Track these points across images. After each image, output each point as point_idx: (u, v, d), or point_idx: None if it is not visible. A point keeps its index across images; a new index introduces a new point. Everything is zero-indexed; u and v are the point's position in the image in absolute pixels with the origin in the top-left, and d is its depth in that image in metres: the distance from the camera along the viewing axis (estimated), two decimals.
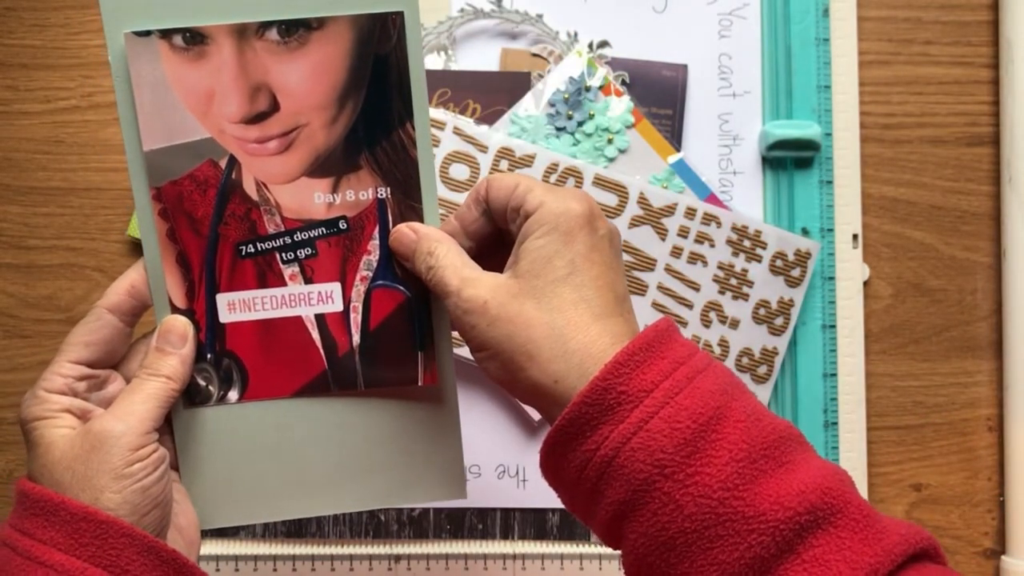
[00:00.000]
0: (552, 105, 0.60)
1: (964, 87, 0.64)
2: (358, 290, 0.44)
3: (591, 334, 0.38)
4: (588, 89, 0.60)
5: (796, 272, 0.61)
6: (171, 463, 0.43)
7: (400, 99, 0.42)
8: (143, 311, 0.43)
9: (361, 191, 0.43)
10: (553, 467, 0.39)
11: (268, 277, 0.43)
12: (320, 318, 0.44)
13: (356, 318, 0.44)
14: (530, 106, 0.60)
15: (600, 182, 0.60)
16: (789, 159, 0.62)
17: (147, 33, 0.41)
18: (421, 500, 0.46)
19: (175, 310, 0.43)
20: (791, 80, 0.62)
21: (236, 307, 0.44)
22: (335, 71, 0.42)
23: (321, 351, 0.44)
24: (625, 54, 0.62)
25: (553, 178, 0.59)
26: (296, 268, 0.43)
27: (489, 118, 0.60)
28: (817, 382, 0.62)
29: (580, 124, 0.60)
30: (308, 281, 0.44)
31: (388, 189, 0.43)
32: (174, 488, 0.43)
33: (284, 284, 0.43)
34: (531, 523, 0.61)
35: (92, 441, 0.39)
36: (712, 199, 0.61)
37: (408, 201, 0.43)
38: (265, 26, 0.41)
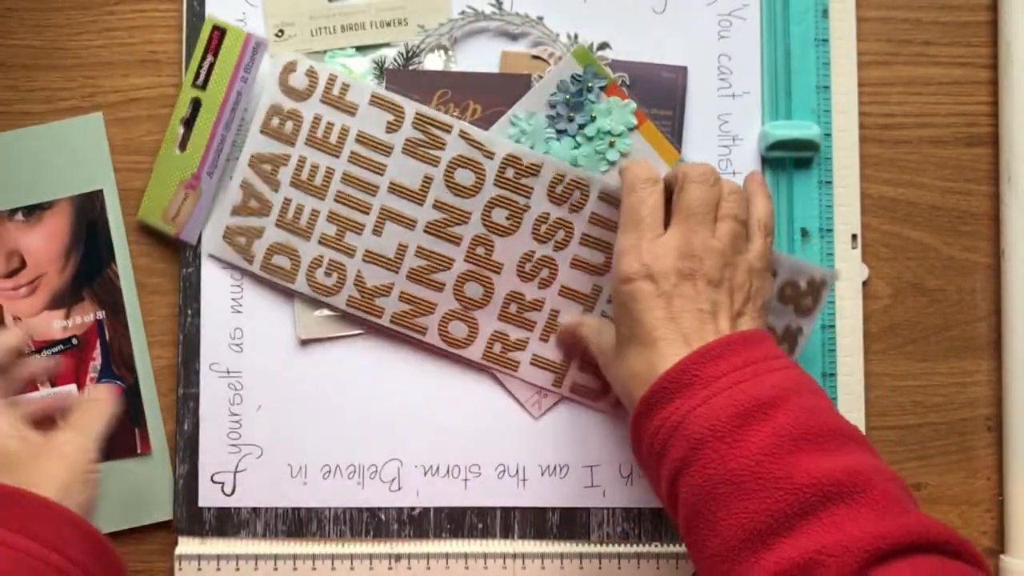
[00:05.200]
0: (553, 107, 0.60)
1: (963, 87, 0.64)
2: (88, 388, 0.60)
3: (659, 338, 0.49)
4: (590, 89, 0.60)
5: (808, 301, 0.59)
6: None
7: (106, 248, 0.61)
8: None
9: (85, 315, 0.60)
10: (637, 435, 0.48)
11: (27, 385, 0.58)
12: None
13: None
14: (530, 108, 0.60)
15: (605, 197, 0.59)
16: (788, 159, 0.62)
17: None
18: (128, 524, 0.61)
19: None
20: (790, 80, 0.62)
21: None
22: (63, 234, 0.60)
23: None
24: (625, 56, 0.62)
25: (559, 189, 0.59)
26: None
27: (489, 119, 0.60)
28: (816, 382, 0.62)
29: (581, 127, 0.60)
30: (53, 384, 0.60)
31: (104, 312, 0.60)
32: None
33: (37, 388, 0.60)
34: (531, 522, 0.61)
35: (57, 451, 0.48)
36: None
37: (118, 320, 0.60)
38: (13, 211, 0.60)
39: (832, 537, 0.39)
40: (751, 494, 0.41)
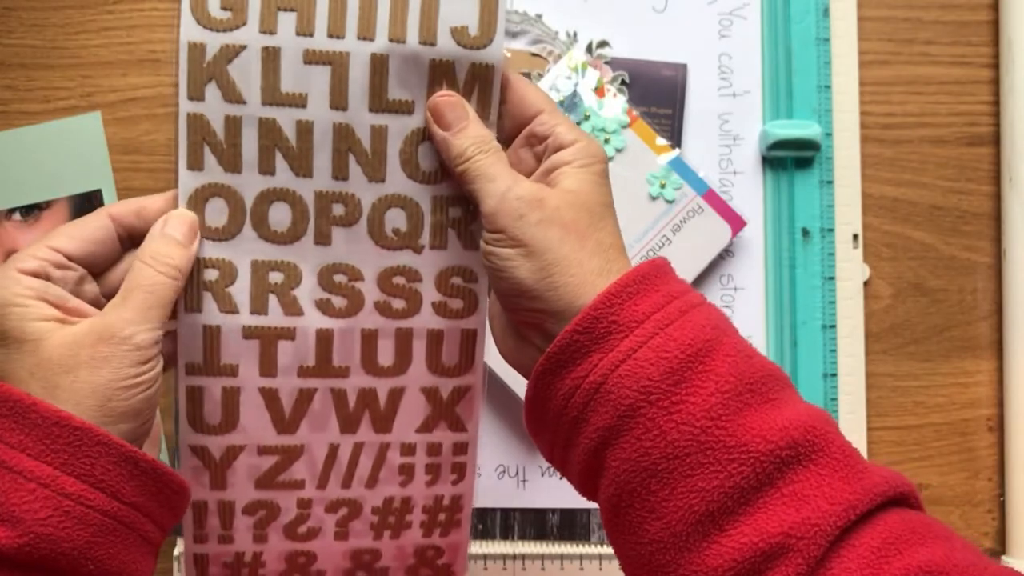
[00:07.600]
0: None
1: (964, 87, 0.64)
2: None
3: (624, 264, 0.39)
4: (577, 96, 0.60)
5: None
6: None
7: None
8: (141, 238, 0.40)
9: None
10: (540, 398, 0.39)
11: None
12: None
13: None
14: None
15: None
16: (789, 159, 0.62)
17: None
18: None
19: None
20: (791, 80, 0.62)
21: None
22: None
23: None
24: (625, 54, 0.62)
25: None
26: None
27: None
28: (817, 382, 0.62)
29: (577, 125, 0.60)
30: None
31: None
32: None
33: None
34: (531, 523, 0.61)
35: (102, 351, 0.37)
36: (710, 195, 0.60)
37: None
38: (11, 211, 0.60)
39: (799, 514, 0.34)
40: (699, 469, 0.35)
